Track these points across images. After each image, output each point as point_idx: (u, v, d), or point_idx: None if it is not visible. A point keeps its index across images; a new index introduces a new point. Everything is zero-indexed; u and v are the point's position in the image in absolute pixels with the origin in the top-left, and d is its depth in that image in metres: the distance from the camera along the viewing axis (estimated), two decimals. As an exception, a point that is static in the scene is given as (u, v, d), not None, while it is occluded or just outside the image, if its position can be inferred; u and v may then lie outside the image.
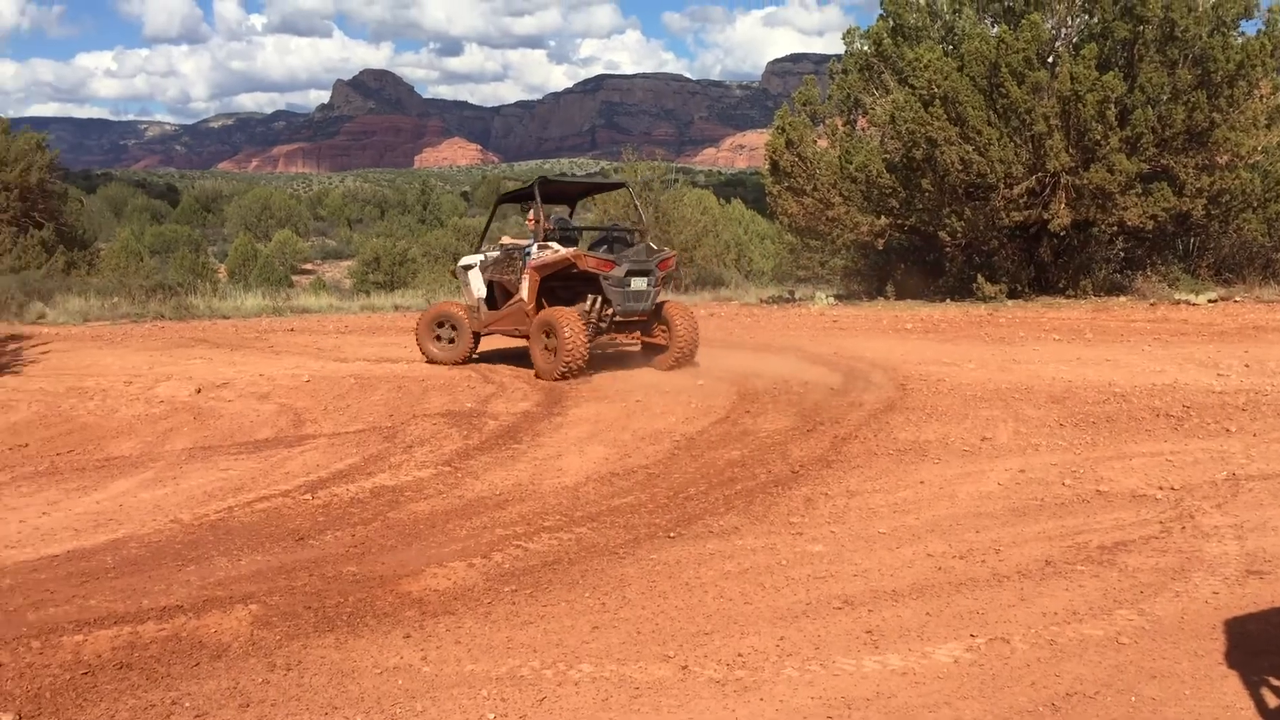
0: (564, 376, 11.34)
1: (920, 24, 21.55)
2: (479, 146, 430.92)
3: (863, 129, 22.56)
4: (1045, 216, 19.99)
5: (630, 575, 5.89)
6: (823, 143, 22.71)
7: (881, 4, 21.99)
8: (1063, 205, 19.56)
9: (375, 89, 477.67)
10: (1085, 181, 19.12)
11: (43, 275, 25.58)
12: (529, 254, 12.09)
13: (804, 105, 23.00)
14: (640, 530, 6.68)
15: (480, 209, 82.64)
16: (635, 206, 14.25)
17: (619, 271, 11.60)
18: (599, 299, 11.83)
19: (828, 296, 22.03)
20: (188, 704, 4.43)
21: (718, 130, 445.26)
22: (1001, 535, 6.45)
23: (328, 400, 11.01)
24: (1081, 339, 14.50)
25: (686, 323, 11.97)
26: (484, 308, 12.67)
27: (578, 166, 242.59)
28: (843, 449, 8.54)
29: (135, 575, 6.03)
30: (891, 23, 21.86)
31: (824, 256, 28.43)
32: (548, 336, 11.53)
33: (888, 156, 21.01)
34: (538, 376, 11.63)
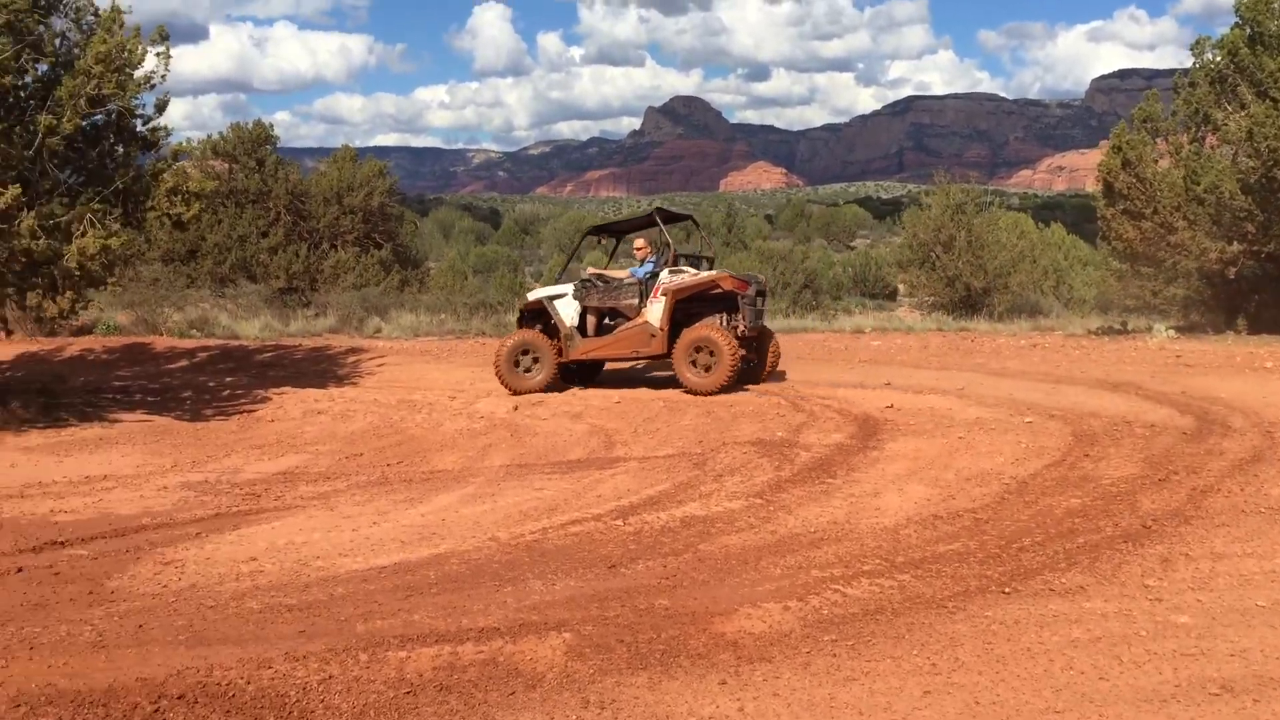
0: (722, 390, 12.11)
1: (1283, 30, 19.41)
2: (783, 170, 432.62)
3: (1212, 147, 20.56)
4: None
5: (962, 634, 5.36)
6: (1164, 163, 20.87)
7: (1237, 10, 19.97)
8: None
9: (684, 115, 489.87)
10: None
11: (380, 292, 27.50)
12: (650, 278, 12.80)
13: (1143, 122, 21.25)
14: (970, 582, 6.11)
15: (784, 232, 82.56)
16: (703, 236, 16.27)
17: (752, 291, 12.61)
18: (727, 317, 12.57)
19: (1166, 328, 20.19)
20: (503, 737, 4.34)
21: (1034, 151, 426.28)
22: None
23: (637, 422, 11.01)
24: None
25: (773, 344, 13.34)
26: (577, 335, 12.93)
27: (883, 189, 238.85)
28: (1203, 503, 7.57)
29: (455, 593, 6.09)
30: (1249, 30, 19.81)
31: (1157, 285, 26.18)
32: (697, 353, 12.27)
33: (1242, 176, 19.02)
34: (692, 392, 12.21)
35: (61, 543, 7.09)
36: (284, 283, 29.10)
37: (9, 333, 13.21)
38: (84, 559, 6.78)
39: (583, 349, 12.83)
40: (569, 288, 13.11)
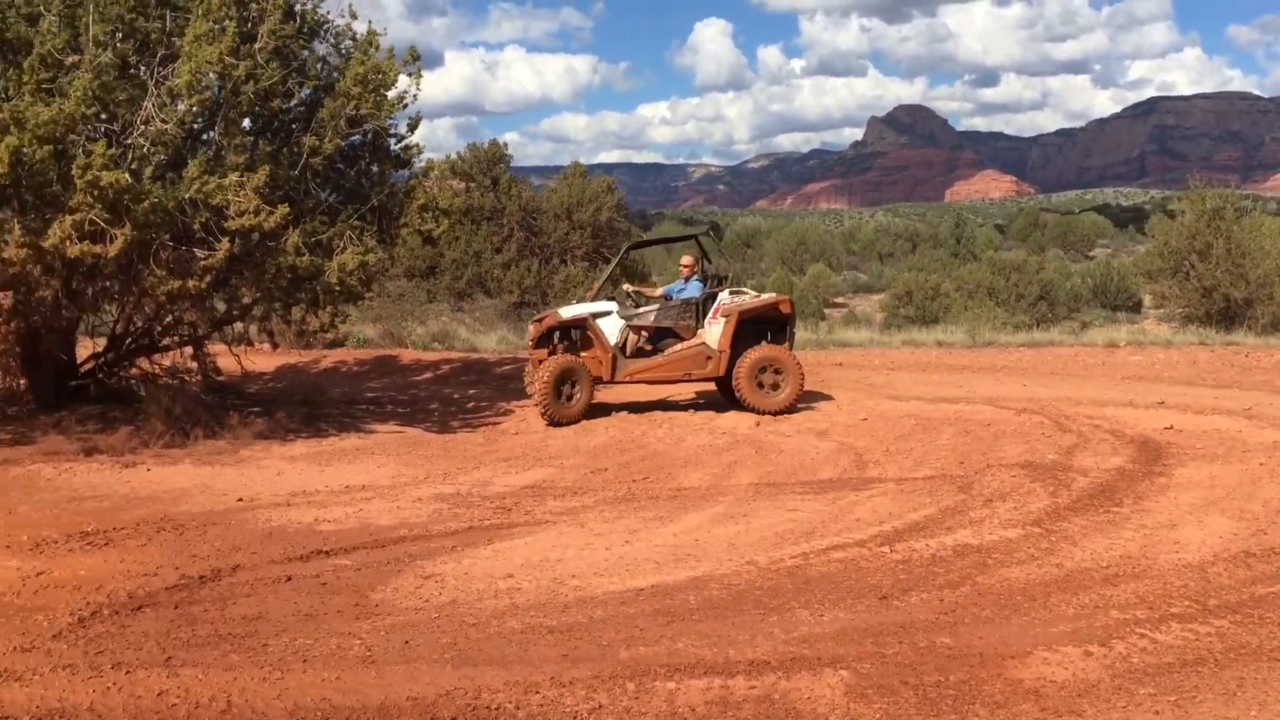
0: (789, 410, 11.91)
1: None
2: (1013, 178, 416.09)
3: None
4: None
5: (1305, 694, 4.66)
6: None
7: None
8: None
9: (908, 124, 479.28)
10: None
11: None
12: (701, 298, 12.42)
13: None
14: (1302, 632, 5.36)
15: (1015, 242, 79.14)
16: (721, 252, 14.98)
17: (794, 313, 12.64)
18: (770, 336, 12.26)
19: None
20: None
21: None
22: None
23: (888, 441, 10.49)
24: None
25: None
26: (620, 356, 12.26)
27: (1123, 196, 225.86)
28: None
29: (718, 620, 5.80)
30: None
31: None
32: (763, 373, 11.96)
33: None
34: (757, 410, 11.88)
35: (326, 552, 7.22)
36: (517, 297, 29.82)
37: (274, 346, 13.87)
38: (348, 569, 6.86)
39: (631, 370, 12.18)
40: (611, 305, 12.44)
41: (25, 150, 9.10)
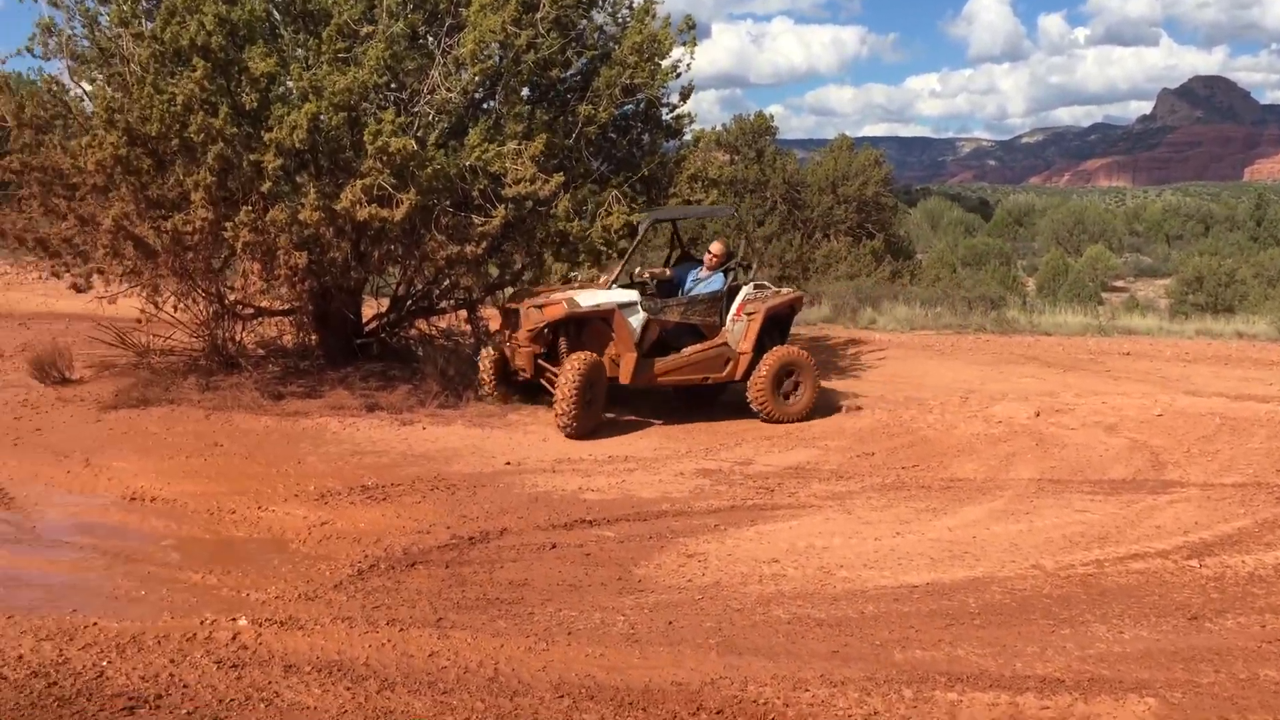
0: (805, 418, 10.64)
1: None
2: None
3: None
4: None
5: None
6: None
7: None
8: None
9: (1204, 96, 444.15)
10: None
11: (873, 283, 27.01)
12: (726, 292, 10.75)
13: None
14: None
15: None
16: (745, 241, 13.55)
17: None
18: (778, 335, 11.03)
19: None
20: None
21: None
22: None
23: (1189, 441, 9.55)
24: None
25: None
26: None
27: None
28: None
29: (1002, 628, 5.35)
30: None
31: None
32: (787, 378, 10.64)
33: None
34: (772, 421, 10.54)
35: (590, 521, 7.19)
36: (778, 271, 29.48)
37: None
38: (611, 541, 6.80)
39: (653, 374, 10.40)
40: (634, 295, 10.39)
41: (322, 117, 9.53)
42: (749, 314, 10.64)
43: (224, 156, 9.38)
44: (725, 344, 10.60)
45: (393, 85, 10.46)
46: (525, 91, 11.37)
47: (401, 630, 5.15)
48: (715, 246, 10.95)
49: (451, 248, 10.28)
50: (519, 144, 10.14)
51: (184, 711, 4.27)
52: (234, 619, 5.19)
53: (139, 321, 10.83)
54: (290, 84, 9.92)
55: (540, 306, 9.95)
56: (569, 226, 10.69)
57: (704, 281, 10.86)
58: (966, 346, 16.78)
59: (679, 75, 12.00)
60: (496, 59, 10.69)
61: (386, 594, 5.72)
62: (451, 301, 12.24)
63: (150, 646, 4.85)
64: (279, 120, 9.45)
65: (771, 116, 34.02)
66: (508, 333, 10.43)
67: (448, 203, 10.29)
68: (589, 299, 9.99)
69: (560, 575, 6.14)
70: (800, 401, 10.61)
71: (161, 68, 9.65)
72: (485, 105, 11.35)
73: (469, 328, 12.24)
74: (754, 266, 11.46)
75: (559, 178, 10.03)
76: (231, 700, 4.39)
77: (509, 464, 8.67)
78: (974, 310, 23.08)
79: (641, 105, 12.13)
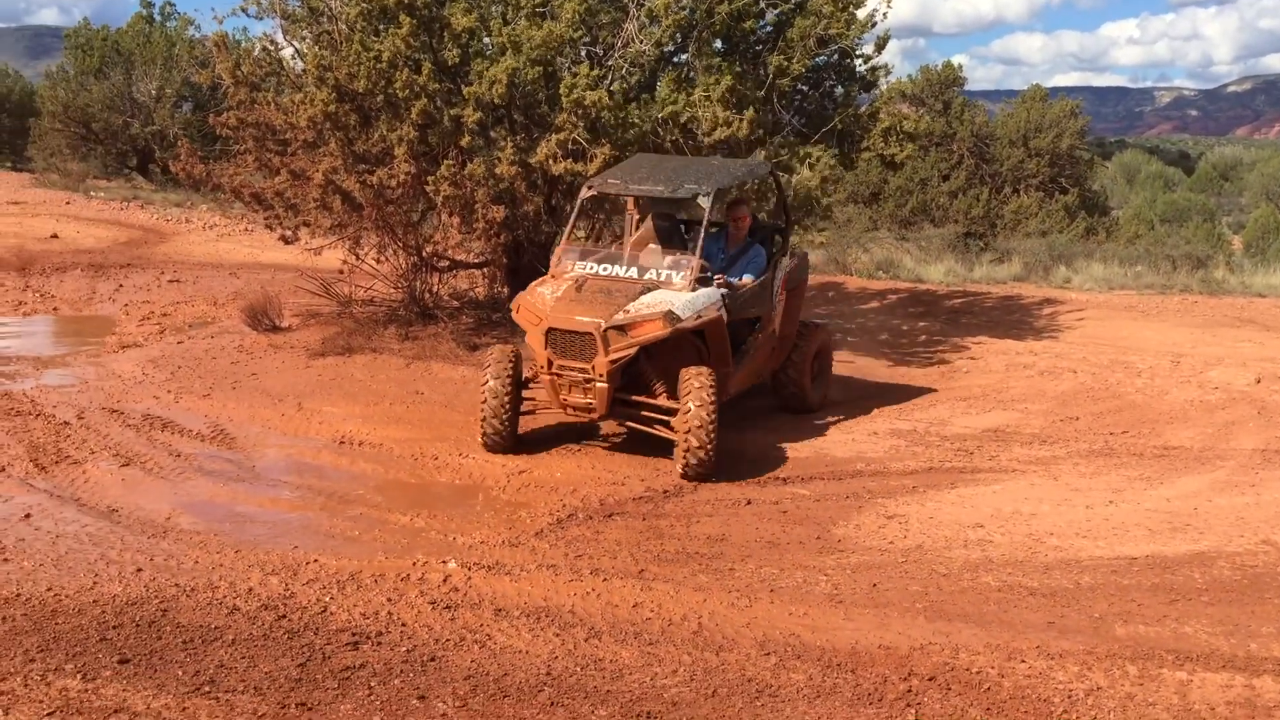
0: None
1: None
2: None
3: None
4: None
5: None
6: None
7: None
8: None
9: None
10: None
11: (1066, 240, 25.88)
12: (768, 268, 8.48)
13: None
14: None
15: None
16: (785, 198, 9.47)
17: None
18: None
19: None
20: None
21: None
22: None
23: None
24: None
25: None
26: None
27: None
28: None
29: (1232, 606, 5.05)
30: None
31: None
32: (819, 361, 9.19)
33: None
34: (805, 410, 8.90)
35: (784, 479, 7.13)
36: (963, 227, 28.55)
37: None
38: (807, 499, 6.73)
39: (734, 384, 8.07)
40: (718, 292, 7.66)
41: (520, 71, 9.64)
42: (789, 289, 8.81)
43: (426, 112, 9.60)
44: (774, 329, 8.55)
45: (586, 39, 10.50)
46: (717, 44, 11.24)
47: (605, 580, 5.21)
48: (743, 211, 8.69)
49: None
50: (706, 91, 10.04)
51: (404, 649, 4.43)
52: (444, 561, 5.35)
53: (341, 273, 11.27)
54: (489, 40, 10.07)
55: (622, 327, 7.15)
56: (812, 190, 10.47)
57: (747, 258, 8.50)
58: (1173, 308, 15.88)
59: (874, 26, 11.65)
60: (689, 11, 10.58)
61: (587, 543, 5.80)
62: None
63: (368, 585, 5.05)
64: (478, 75, 9.61)
65: (959, 67, 32.86)
66: (550, 359, 7.32)
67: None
68: (684, 306, 7.26)
69: (758, 532, 6.10)
70: (823, 388, 9.20)
71: (368, 26, 9.93)
72: (677, 59, 11.28)
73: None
74: (790, 228, 9.32)
75: (751, 113, 9.85)
76: (447, 640, 4.53)
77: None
78: (1178, 269, 21.84)
79: (835, 57, 11.84)
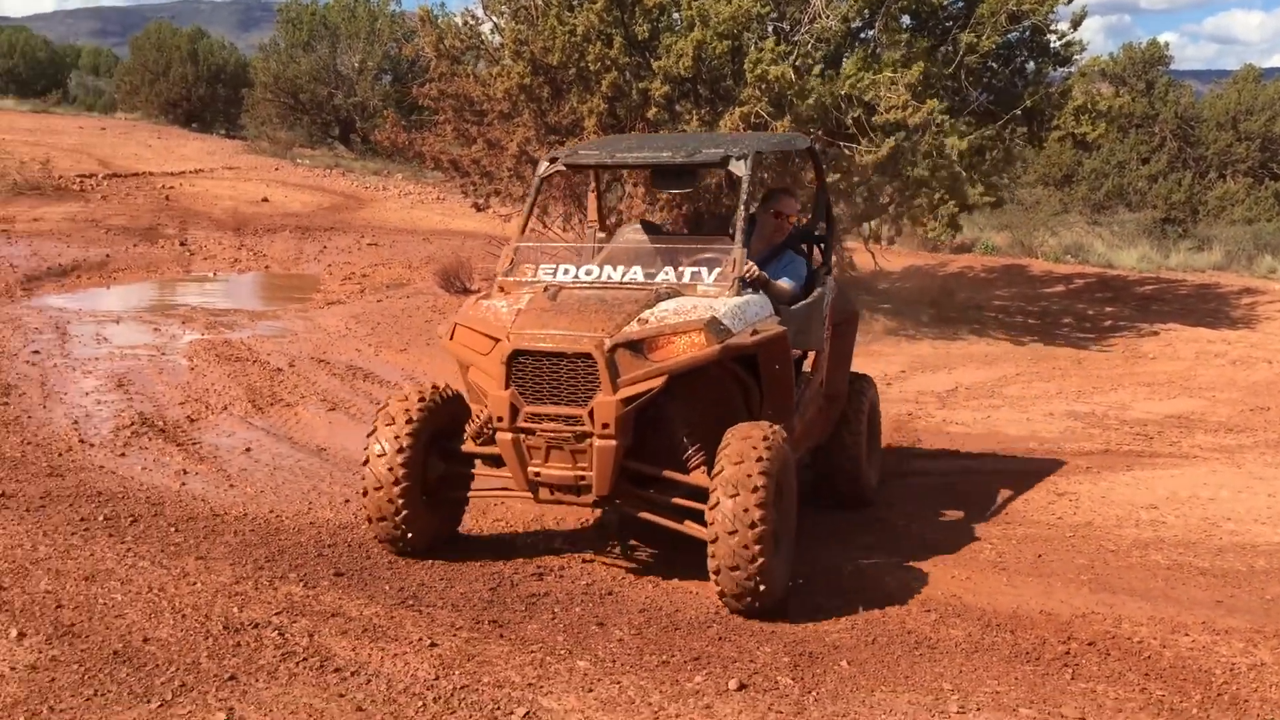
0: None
1: None
2: None
3: None
4: None
5: None
6: None
7: None
8: None
9: None
10: None
11: (1275, 229, 24.52)
12: (810, 285, 5.64)
13: None
14: None
15: None
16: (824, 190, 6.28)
17: None
18: None
19: None
20: None
21: None
22: None
23: None
24: None
25: None
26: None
27: None
28: None
29: None
30: None
31: None
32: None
33: None
34: (860, 502, 6.00)
35: (954, 453, 7.20)
36: (1162, 213, 27.35)
37: (889, 243, 13.37)
38: (975, 473, 6.79)
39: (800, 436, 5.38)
40: (766, 299, 5.05)
41: (706, 45, 9.87)
42: (838, 324, 5.87)
43: (616, 84, 9.96)
44: (822, 380, 5.72)
45: (773, 14, 10.65)
46: (905, 20, 11.21)
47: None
48: (787, 200, 5.78)
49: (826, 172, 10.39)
50: (895, 72, 10.05)
51: (583, 583, 4.76)
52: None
53: (527, 239, 11.76)
54: (678, 15, 10.34)
55: (639, 344, 4.50)
56: (955, 162, 10.39)
57: (780, 264, 5.58)
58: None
59: (1069, 1, 11.41)
60: (878, -15, 10.61)
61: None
62: (817, 230, 12.37)
63: (551, 526, 5.42)
64: (667, 49, 9.90)
65: (1165, 45, 31.37)
66: (514, 404, 4.59)
67: (819, 131, 10.38)
68: (731, 314, 4.66)
69: (923, 502, 6.21)
70: (878, 466, 6.39)
71: (563, 1, 10.34)
72: (863, 34, 11.30)
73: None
74: (834, 236, 6.69)
75: (932, 103, 9.82)
76: (623, 578, 4.84)
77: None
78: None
79: (1028, 33, 11.64)
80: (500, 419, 4.59)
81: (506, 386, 4.57)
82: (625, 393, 4.46)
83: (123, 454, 6.16)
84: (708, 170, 6.12)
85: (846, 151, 10.41)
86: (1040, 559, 5.32)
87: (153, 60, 34.03)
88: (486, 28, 11.38)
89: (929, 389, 8.92)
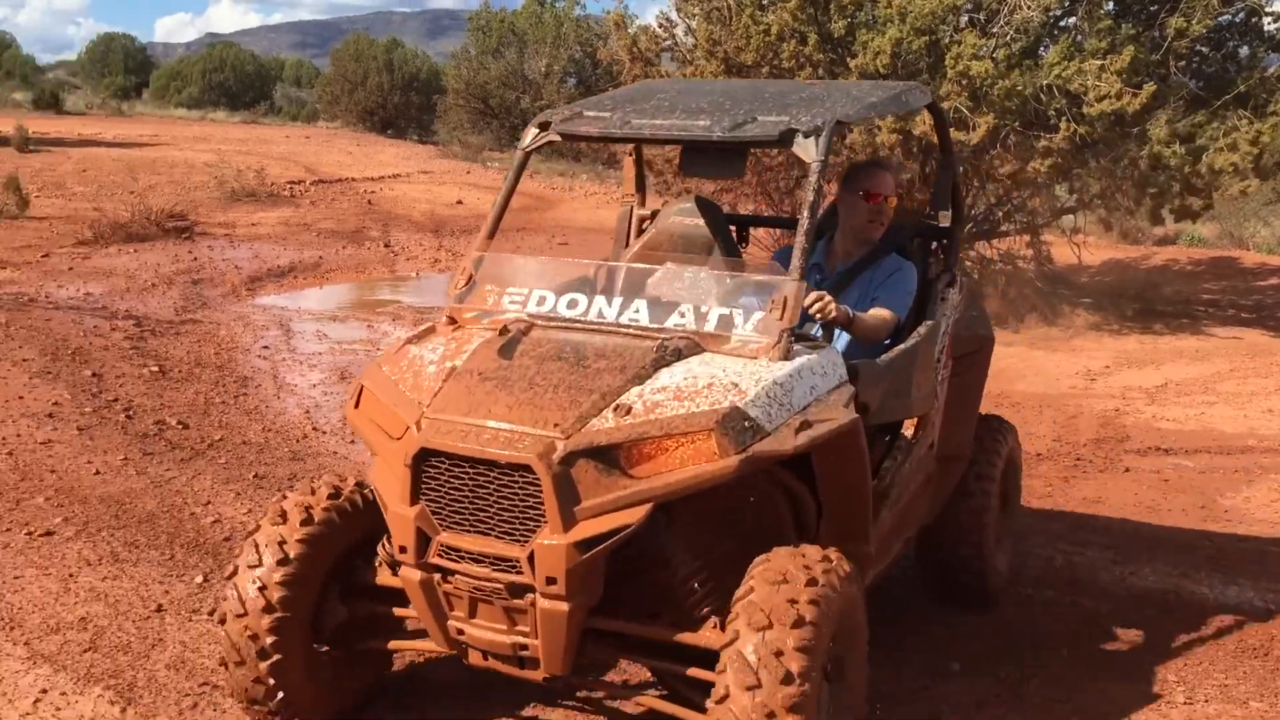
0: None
1: None
2: None
3: None
4: None
5: None
6: None
7: None
8: None
9: None
10: None
11: None
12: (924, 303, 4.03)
13: None
14: None
15: None
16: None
17: None
18: None
19: None
20: None
21: None
22: None
23: None
24: None
25: None
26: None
27: None
28: None
29: None
30: None
31: None
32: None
33: None
34: (979, 600, 4.46)
35: (1165, 450, 7.01)
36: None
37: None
38: (1190, 471, 6.61)
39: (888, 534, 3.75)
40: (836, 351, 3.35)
41: (904, 41, 9.83)
42: (962, 356, 4.27)
43: (810, 82, 10.03)
44: (933, 442, 4.07)
45: (969, 6, 10.52)
46: (1108, 6, 10.89)
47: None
48: (883, 179, 3.96)
49: (1013, 164, 10.18)
50: (1102, 60, 9.78)
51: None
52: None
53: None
54: (875, 11, 10.33)
55: (611, 452, 2.85)
56: (1165, 151, 10.04)
57: (878, 275, 3.93)
58: None
59: (1290, -20, 10.86)
60: (1080, -27, 10.35)
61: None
62: (1014, 225, 12.14)
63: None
64: (863, 46, 9.90)
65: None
66: (422, 532, 3.00)
67: (1018, 123, 10.20)
68: (765, 397, 2.91)
69: (1136, 498, 6.10)
70: (1010, 548, 4.77)
71: (756, 1, 10.47)
72: (1064, 23, 11.04)
73: (1030, 251, 12.08)
74: (961, 227, 4.47)
75: (1150, 88, 9.49)
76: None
77: (1072, 387, 8.59)
78: None
79: (1240, 16, 11.14)
80: (403, 549, 3.01)
81: (414, 502, 2.99)
82: (585, 530, 2.82)
83: (352, 441, 6.64)
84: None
85: (1043, 136, 10.17)
86: (1264, 556, 5.18)
87: (351, 71, 35.81)
88: (680, 29, 11.61)
89: (1136, 385, 8.67)
